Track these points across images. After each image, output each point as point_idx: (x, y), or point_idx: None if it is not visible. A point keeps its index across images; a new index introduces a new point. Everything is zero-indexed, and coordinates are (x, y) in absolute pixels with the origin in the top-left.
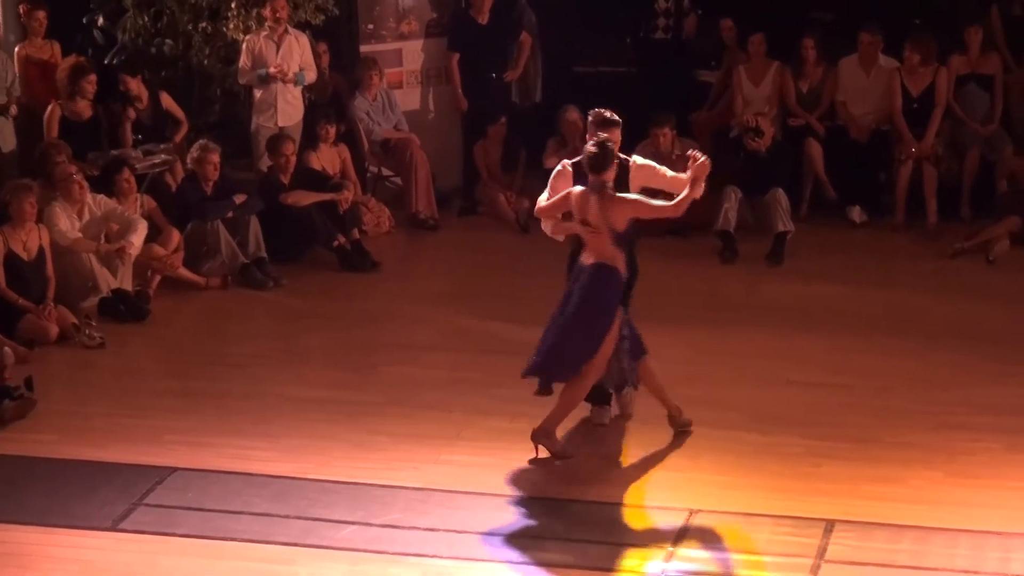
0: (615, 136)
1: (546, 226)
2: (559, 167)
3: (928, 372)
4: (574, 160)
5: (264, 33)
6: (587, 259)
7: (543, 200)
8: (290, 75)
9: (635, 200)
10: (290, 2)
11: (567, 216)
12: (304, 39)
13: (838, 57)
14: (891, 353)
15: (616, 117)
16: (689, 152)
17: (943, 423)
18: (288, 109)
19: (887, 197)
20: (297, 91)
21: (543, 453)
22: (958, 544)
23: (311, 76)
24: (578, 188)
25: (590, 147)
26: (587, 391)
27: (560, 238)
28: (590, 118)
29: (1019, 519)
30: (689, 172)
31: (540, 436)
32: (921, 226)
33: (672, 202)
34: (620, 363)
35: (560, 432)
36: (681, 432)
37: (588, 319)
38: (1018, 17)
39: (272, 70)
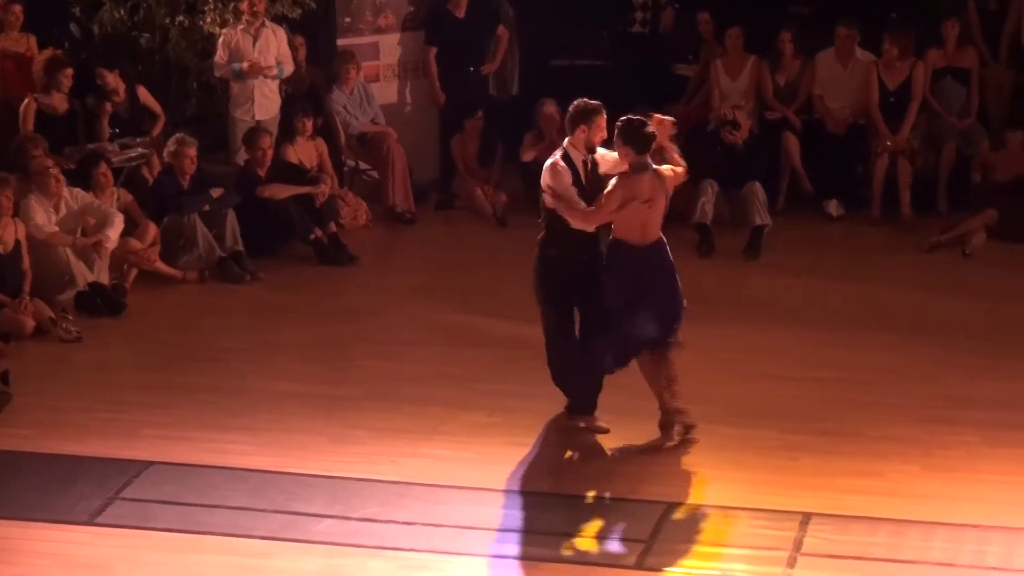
0: (601, 122)
1: (586, 223)
2: (555, 166)
3: (905, 366)
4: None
5: (241, 27)
6: (647, 237)
7: (588, 207)
8: (266, 68)
9: (669, 170)
10: None
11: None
12: (281, 32)
13: (815, 51)
14: (868, 346)
15: (596, 103)
16: (652, 116)
17: (920, 416)
18: (265, 102)
19: (864, 190)
20: (274, 84)
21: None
22: (934, 537)
23: (288, 69)
24: (628, 174)
25: (642, 129)
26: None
27: (593, 228)
28: (571, 110)
29: (995, 512)
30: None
31: (670, 418)
32: (898, 219)
33: (679, 169)
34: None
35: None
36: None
37: (671, 293)
38: (994, 11)
39: (244, 66)
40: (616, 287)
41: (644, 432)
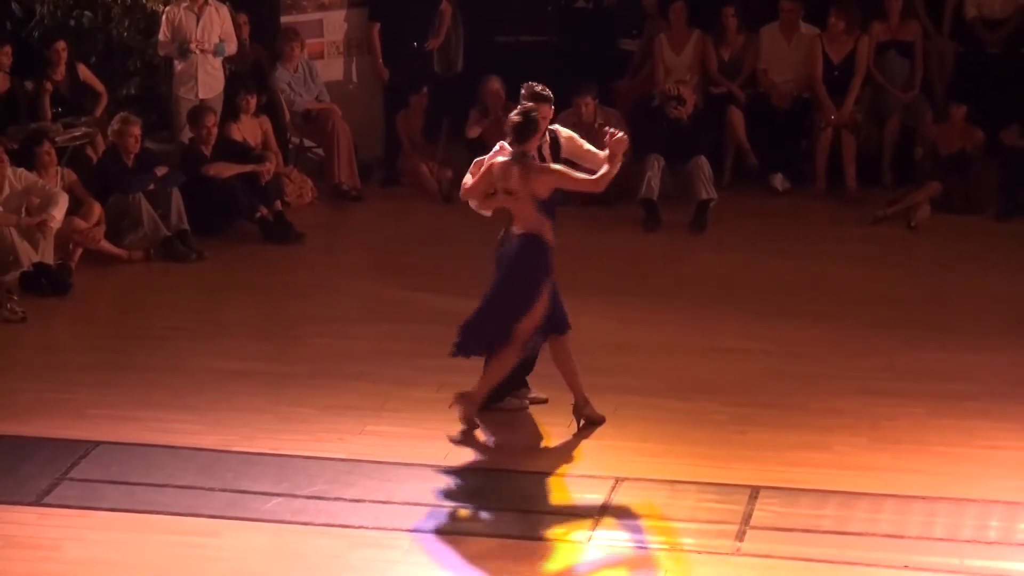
0: (545, 111)
1: (474, 204)
2: (501, 146)
3: (851, 338)
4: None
5: (184, 4)
6: (515, 228)
7: (468, 181)
8: (209, 46)
9: (558, 170)
10: None
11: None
12: (224, 10)
13: (759, 25)
14: (814, 320)
15: (548, 92)
16: (607, 128)
17: (866, 389)
18: (209, 81)
19: (809, 164)
20: (218, 62)
21: (459, 415)
22: (882, 509)
23: (231, 48)
24: (499, 159)
25: (513, 116)
26: (515, 360)
27: (488, 213)
28: (523, 91)
29: (942, 483)
30: (607, 149)
31: (464, 400)
32: (843, 193)
33: (593, 176)
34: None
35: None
36: (587, 424)
37: (515, 289)
38: None
39: (192, 45)
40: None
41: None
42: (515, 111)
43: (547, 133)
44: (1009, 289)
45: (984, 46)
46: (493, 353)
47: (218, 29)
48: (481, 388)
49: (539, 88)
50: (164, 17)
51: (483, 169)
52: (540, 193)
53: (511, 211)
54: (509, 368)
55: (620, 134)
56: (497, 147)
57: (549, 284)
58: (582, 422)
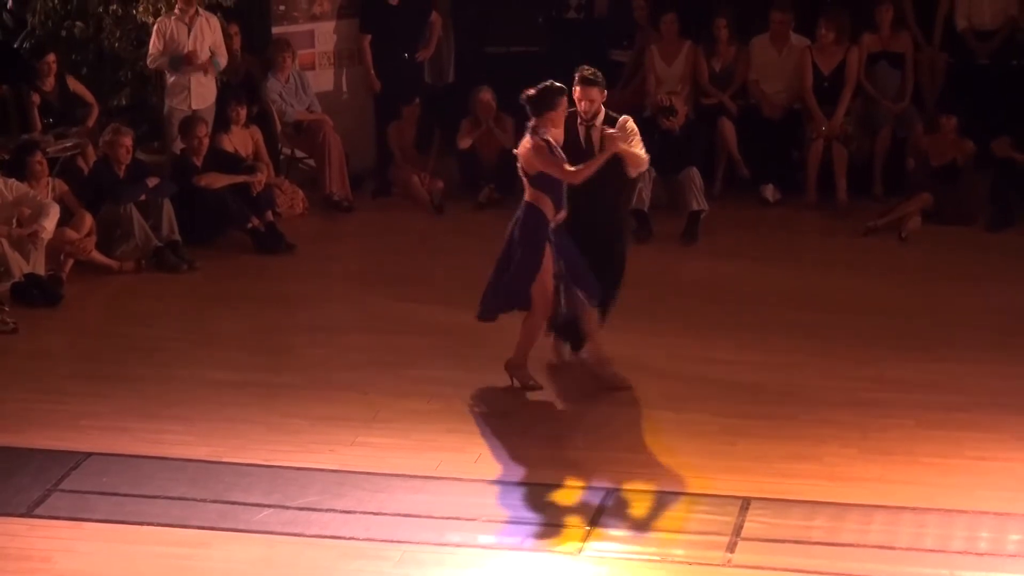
0: (593, 95)
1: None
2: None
3: (841, 349)
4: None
5: (175, 15)
6: (525, 196)
7: (567, 167)
8: (203, 59)
9: (544, 154)
10: None
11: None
12: (215, 21)
13: (750, 36)
14: (805, 330)
15: (598, 76)
16: (605, 129)
17: (857, 400)
18: (201, 91)
19: (800, 175)
20: (210, 73)
21: (516, 384)
22: (873, 520)
23: (224, 61)
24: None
25: (530, 89)
26: (541, 323)
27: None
28: (576, 75)
29: (932, 494)
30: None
31: (512, 368)
32: (833, 204)
33: (573, 168)
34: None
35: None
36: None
37: (516, 253)
38: None
39: (184, 52)
40: None
41: (581, 416)
42: (540, 85)
43: (602, 119)
44: (1000, 300)
45: (975, 57)
46: (508, 310)
47: (209, 39)
48: (518, 352)
49: (588, 72)
50: (155, 29)
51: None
52: (527, 169)
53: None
54: (538, 330)
55: (610, 131)
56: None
57: (551, 251)
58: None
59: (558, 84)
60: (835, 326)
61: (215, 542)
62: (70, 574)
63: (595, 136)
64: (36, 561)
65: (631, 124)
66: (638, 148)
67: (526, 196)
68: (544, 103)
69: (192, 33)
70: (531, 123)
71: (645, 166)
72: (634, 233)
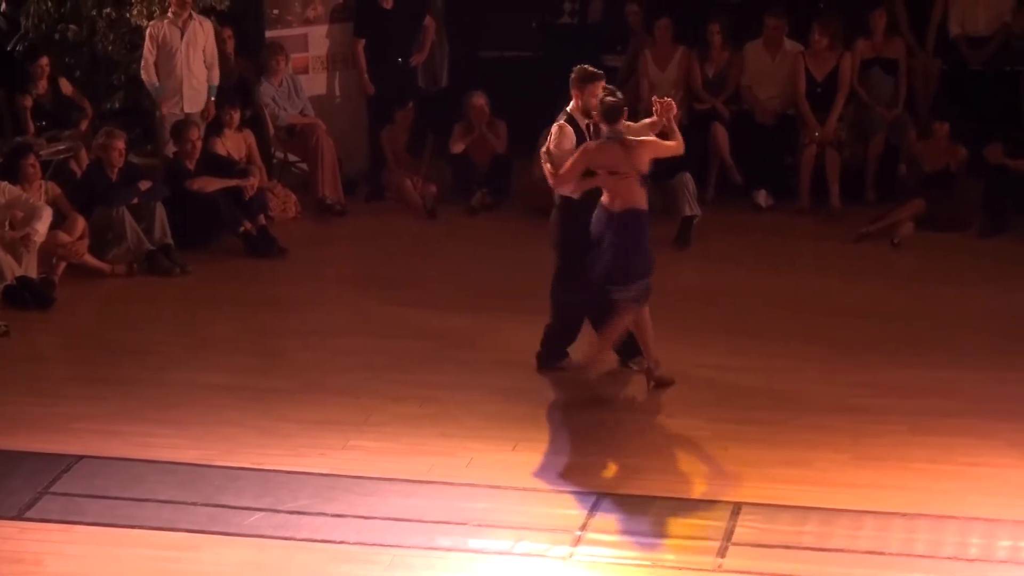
0: (595, 89)
1: (568, 189)
2: (563, 128)
3: (834, 355)
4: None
5: (168, 19)
6: (615, 206)
7: (556, 169)
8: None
9: (652, 142)
10: None
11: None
12: (208, 25)
13: (744, 41)
14: (797, 336)
15: (598, 70)
16: (655, 99)
17: (849, 405)
18: (193, 95)
19: (793, 181)
20: (202, 76)
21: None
22: (863, 526)
23: (217, 76)
24: (592, 143)
25: (606, 99)
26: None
27: (577, 195)
28: (573, 75)
29: (923, 500)
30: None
31: (588, 359)
32: (826, 210)
33: (674, 143)
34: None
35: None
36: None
37: (631, 259)
38: (921, 1)
39: (163, 110)
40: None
41: (571, 421)
42: (604, 95)
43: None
44: (992, 306)
45: (968, 63)
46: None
47: (202, 43)
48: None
49: (589, 68)
50: (147, 33)
51: (578, 153)
52: (644, 167)
53: (610, 189)
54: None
55: (667, 99)
56: (559, 127)
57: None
58: (652, 384)
59: (615, 90)
60: (828, 331)
61: (205, 545)
62: None
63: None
64: (27, 564)
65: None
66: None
67: (626, 202)
68: (619, 109)
69: (185, 37)
70: (608, 132)
71: (681, 149)
72: (675, 240)
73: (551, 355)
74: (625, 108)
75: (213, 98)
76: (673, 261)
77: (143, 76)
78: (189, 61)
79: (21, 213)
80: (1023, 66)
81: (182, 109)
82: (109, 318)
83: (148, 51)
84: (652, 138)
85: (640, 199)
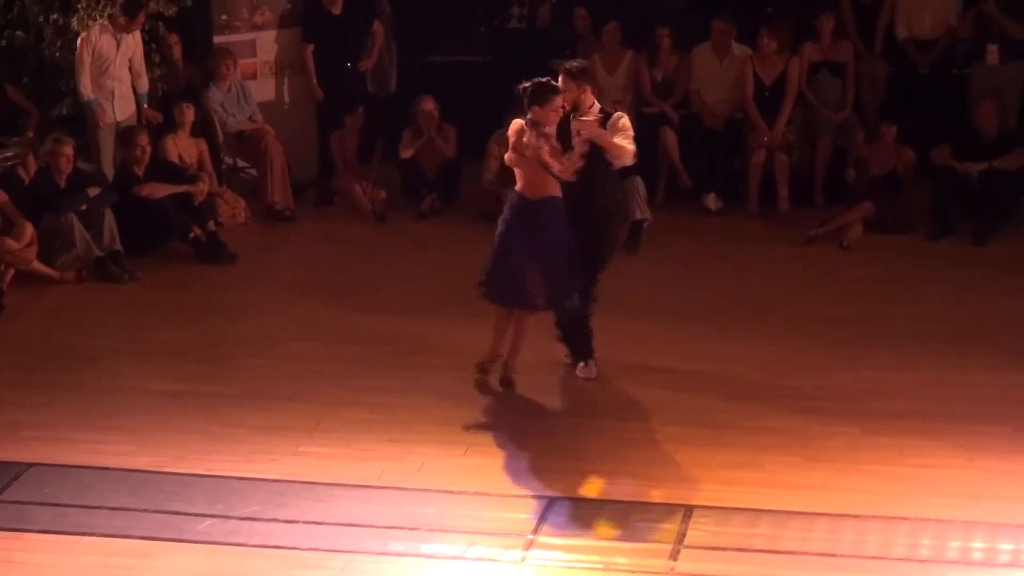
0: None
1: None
2: (540, 134)
3: (784, 357)
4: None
5: (101, 25)
6: (529, 193)
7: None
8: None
9: (546, 146)
10: None
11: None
12: (137, 33)
13: (692, 45)
14: (747, 339)
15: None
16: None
17: (799, 408)
18: (122, 103)
19: (742, 184)
20: (129, 83)
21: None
22: (814, 528)
23: (144, 84)
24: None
25: (526, 83)
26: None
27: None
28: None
29: (874, 502)
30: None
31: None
32: (775, 213)
33: (560, 163)
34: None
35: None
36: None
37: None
38: (868, 4)
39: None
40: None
41: (520, 425)
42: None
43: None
44: (940, 308)
45: (915, 66)
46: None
47: (131, 52)
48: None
49: (570, 65)
50: (81, 40)
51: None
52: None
53: (521, 174)
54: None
55: (584, 119)
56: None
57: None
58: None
59: (548, 78)
60: (777, 334)
61: (157, 552)
62: None
63: (573, 129)
64: None
65: (624, 121)
66: (621, 140)
67: (552, 191)
68: (539, 94)
69: (120, 47)
70: (529, 116)
71: (629, 159)
72: (625, 244)
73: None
74: (542, 97)
75: (145, 105)
76: (623, 265)
77: (79, 89)
78: (120, 70)
79: None
80: (969, 69)
81: (114, 117)
82: (58, 325)
83: (84, 61)
84: (549, 146)
85: (554, 188)
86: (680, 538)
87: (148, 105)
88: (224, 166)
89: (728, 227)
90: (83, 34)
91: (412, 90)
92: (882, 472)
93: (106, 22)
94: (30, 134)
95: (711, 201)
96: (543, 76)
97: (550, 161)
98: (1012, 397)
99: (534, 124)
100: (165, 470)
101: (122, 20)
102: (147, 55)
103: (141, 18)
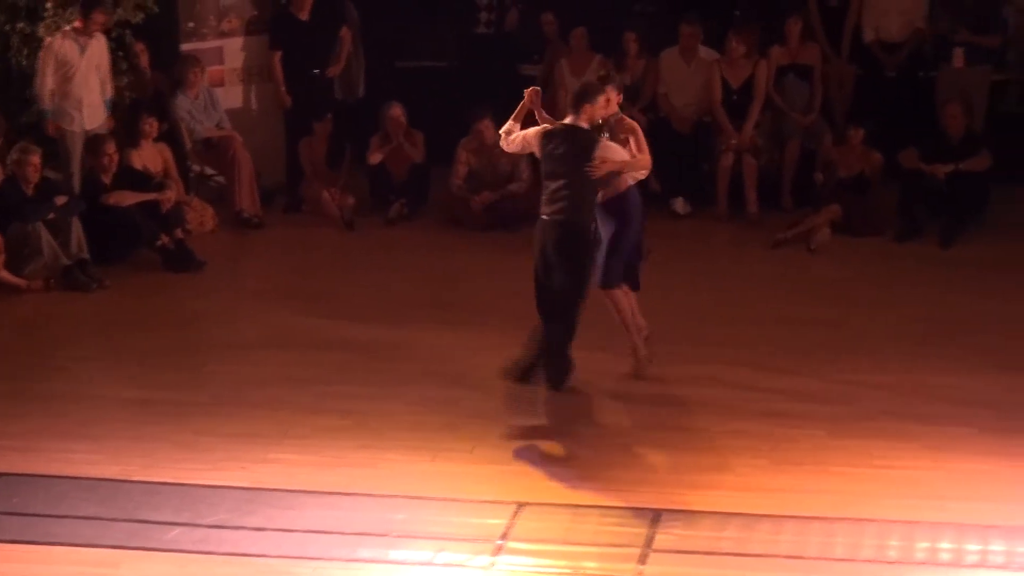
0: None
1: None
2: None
3: (751, 361)
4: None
5: (66, 33)
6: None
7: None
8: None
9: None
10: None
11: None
12: (103, 39)
13: (659, 49)
14: (715, 342)
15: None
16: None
17: (768, 411)
18: (93, 112)
19: (710, 188)
20: (98, 91)
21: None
22: (782, 530)
23: (110, 90)
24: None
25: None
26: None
27: None
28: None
29: (842, 504)
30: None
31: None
32: (744, 216)
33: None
34: None
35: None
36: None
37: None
38: (835, 7)
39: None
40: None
41: (489, 431)
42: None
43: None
44: (908, 310)
45: (882, 69)
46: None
47: (97, 59)
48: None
49: (592, 84)
50: (45, 47)
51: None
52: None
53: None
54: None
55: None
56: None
57: None
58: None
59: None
60: (746, 338)
61: (125, 561)
62: None
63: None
64: None
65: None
66: (627, 155)
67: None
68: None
69: (85, 53)
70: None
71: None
72: None
73: (563, 371)
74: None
75: (109, 111)
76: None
77: (39, 95)
78: (87, 78)
79: None
80: (936, 72)
81: (83, 127)
82: (25, 334)
83: (45, 69)
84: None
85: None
86: (648, 542)
87: (114, 113)
88: (192, 174)
89: (696, 231)
90: (46, 41)
91: (380, 96)
92: (850, 474)
93: (68, 29)
94: None
95: (679, 205)
96: (510, 81)
97: (635, 158)
98: (979, 398)
99: (605, 131)
100: (134, 479)
101: (79, 23)
102: (114, 63)
103: (98, 18)
